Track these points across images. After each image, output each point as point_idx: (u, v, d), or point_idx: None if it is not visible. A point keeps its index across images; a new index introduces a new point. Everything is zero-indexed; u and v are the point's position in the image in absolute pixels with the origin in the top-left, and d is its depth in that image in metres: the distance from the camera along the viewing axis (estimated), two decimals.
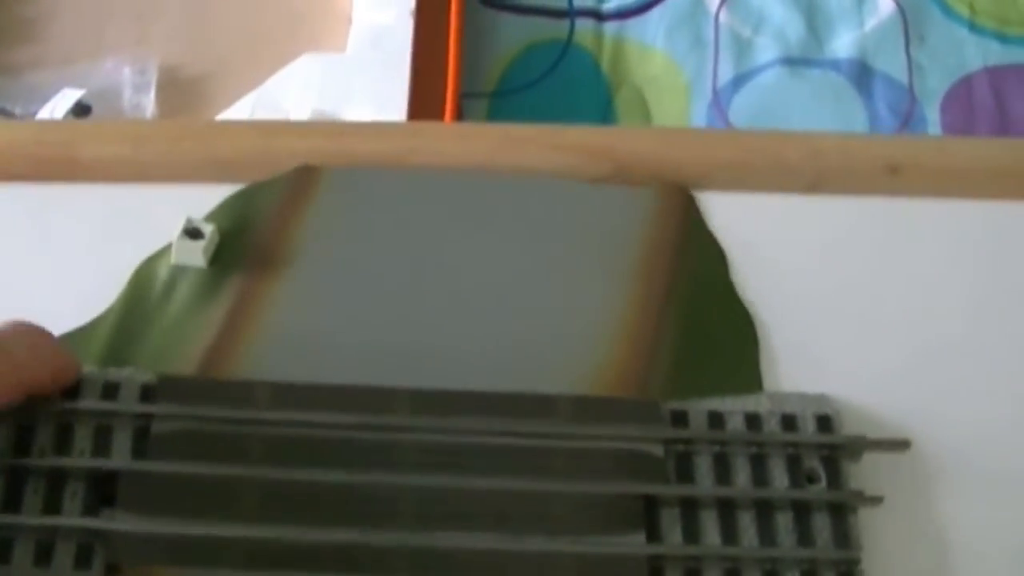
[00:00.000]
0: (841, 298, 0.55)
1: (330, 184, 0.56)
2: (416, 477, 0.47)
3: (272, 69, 0.91)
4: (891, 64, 0.97)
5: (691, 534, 0.47)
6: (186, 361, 0.51)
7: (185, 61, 0.95)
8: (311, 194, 0.56)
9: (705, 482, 0.48)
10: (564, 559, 0.47)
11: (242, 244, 0.54)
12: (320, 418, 0.48)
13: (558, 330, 0.52)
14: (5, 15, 0.98)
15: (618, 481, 0.48)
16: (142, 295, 0.54)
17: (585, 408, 0.49)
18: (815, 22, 1.00)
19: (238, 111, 0.89)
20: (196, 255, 0.54)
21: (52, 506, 0.47)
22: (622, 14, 1.00)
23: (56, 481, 0.47)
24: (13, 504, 0.46)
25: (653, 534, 0.47)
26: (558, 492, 0.47)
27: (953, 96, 0.96)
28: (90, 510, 0.47)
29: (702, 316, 0.54)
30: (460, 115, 0.89)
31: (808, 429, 0.49)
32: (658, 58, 0.98)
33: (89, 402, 0.48)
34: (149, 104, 0.92)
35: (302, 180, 0.56)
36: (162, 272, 0.54)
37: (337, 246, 0.55)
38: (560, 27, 1.00)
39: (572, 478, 0.48)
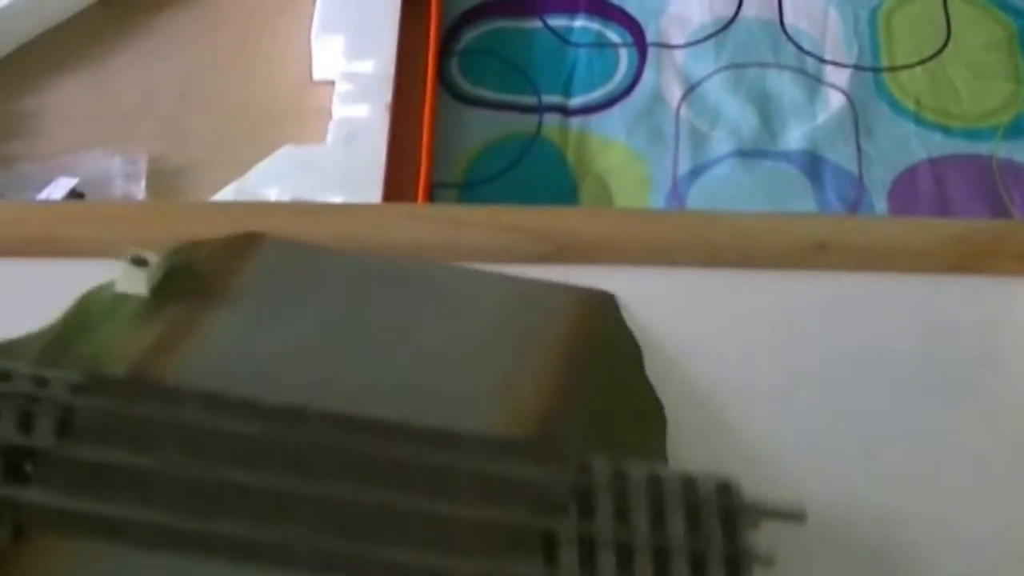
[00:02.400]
0: (758, 371, 0.58)
1: (272, 248, 0.60)
2: (318, 484, 0.49)
3: (257, 160, 0.95)
4: (841, 155, 1.02)
5: (587, 571, 0.48)
6: (116, 368, 0.54)
7: (172, 152, 1.00)
8: (253, 253, 0.60)
9: (604, 525, 0.49)
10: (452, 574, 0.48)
11: (183, 282, 0.58)
12: (235, 424, 0.50)
13: (461, 387, 0.55)
14: None
15: (518, 512, 0.49)
16: (83, 315, 0.57)
17: (489, 444, 0.51)
18: (769, 116, 1.04)
19: (221, 199, 0.93)
20: (139, 283, 0.57)
21: None
22: (587, 109, 1.05)
23: None
24: None
25: (549, 566, 0.48)
26: (458, 514, 0.49)
27: (899, 185, 1.00)
28: (3, 480, 0.49)
29: (612, 404, 0.56)
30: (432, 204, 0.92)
31: (708, 491, 0.50)
32: (620, 150, 1.03)
33: (18, 385, 0.51)
34: (140, 192, 0.96)
35: (247, 241, 0.60)
36: (106, 297, 0.57)
37: (271, 295, 0.58)
38: (529, 122, 1.04)
39: (474, 501, 0.49)
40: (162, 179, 0.98)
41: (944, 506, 0.55)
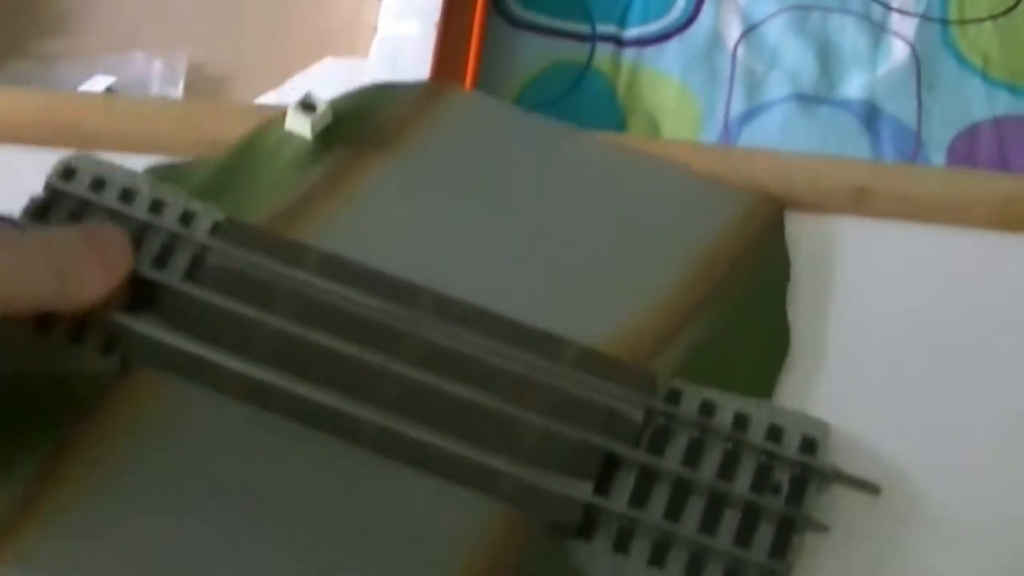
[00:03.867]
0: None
1: (458, 102, 0.60)
2: (407, 368, 0.50)
3: (296, 71, 0.94)
4: (901, 108, 0.99)
5: (636, 500, 0.48)
6: (265, 211, 0.56)
7: (213, 59, 0.98)
8: (437, 105, 0.60)
9: (672, 459, 0.49)
10: (507, 480, 0.49)
11: (354, 129, 0.58)
12: (348, 293, 0.53)
13: (598, 286, 0.54)
14: (41, 7, 1.01)
15: (586, 430, 0.49)
16: (250, 151, 0.58)
17: (587, 359, 0.51)
18: (828, 63, 1.01)
19: None
20: (305, 126, 0.58)
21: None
22: (642, 42, 1.02)
23: None
24: None
25: (602, 489, 0.49)
26: (527, 421, 0.49)
27: (958, 143, 0.98)
28: (129, 310, 0.52)
29: (743, 317, 0.55)
30: None
31: (790, 445, 0.50)
32: (673, 87, 1.00)
33: (167, 219, 0.54)
34: (177, 95, 0.95)
35: (433, 92, 0.60)
36: (273, 137, 0.58)
37: (439, 156, 0.58)
38: (581, 51, 1.02)
39: (547, 413, 0.50)
40: (201, 85, 0.97)
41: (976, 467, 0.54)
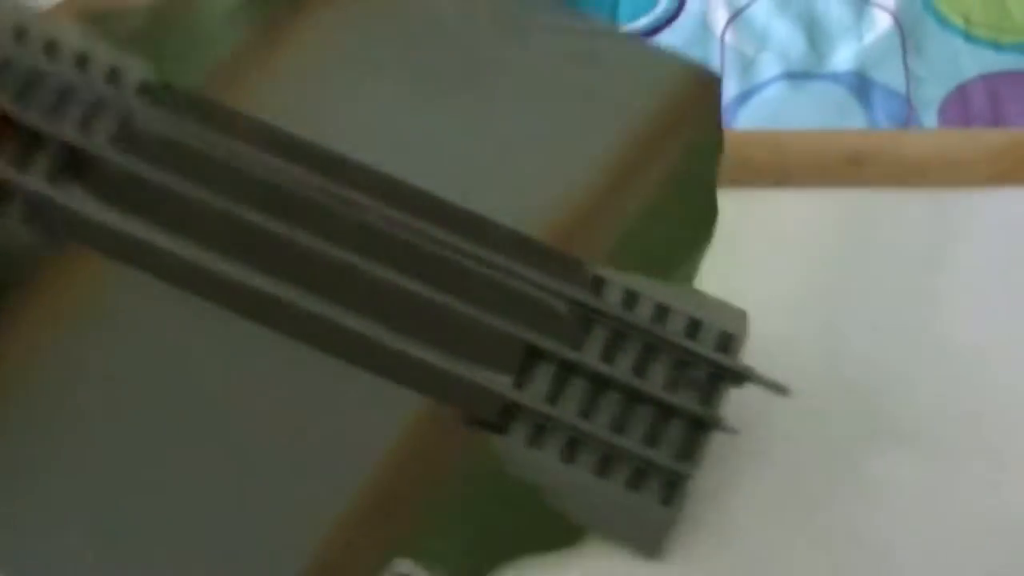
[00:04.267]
0: (808, 285, 0.58)
1: None
2: (340, 251, 0.50)
3: None
4: (889, 75, 1.01)
5: (553, 395, 0.49)
6: (195, 71, 0.52)
7: None
8: None
9: (591, 353, 0.50)
10: (431, 371, 0.49)
11: None
12: (282, 167, 0.50)
13: (528, 163, 0.53)
14: None
15: (510, 321, 0.50)
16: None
17: (514, 243, 0.51)
18: (816, 38, 1.04)
19: None
20: None
21: (21, 164, 0.50)
22: None
23: (31, 141, 0.51)
24: None
25: (521, 382, 0.49)
26: (454, 310, 0.49)
27: (950, 103, 0.99)
28: (53, 178, 0.50)
29: (671, 198, 0.54)
30: None
31: (708, 342, 0.50)
32: None
33: (92, 75, 0.51)
34: None
35: None
36: None
37: (378, 17, 0.55)
38: None
39: (471, 302, 0.50)
40: None
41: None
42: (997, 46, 1.03)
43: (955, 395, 0.55)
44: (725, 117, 0.96)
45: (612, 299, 0.51)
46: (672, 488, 0.49)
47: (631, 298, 0.51)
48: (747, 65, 1.02)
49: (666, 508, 0.49)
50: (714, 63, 1.03)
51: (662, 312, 0.51)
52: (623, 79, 0.55)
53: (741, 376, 0.50)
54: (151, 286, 0.50)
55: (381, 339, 0.49)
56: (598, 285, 0.51)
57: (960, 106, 0.99)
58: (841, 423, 0.54)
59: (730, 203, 0.59)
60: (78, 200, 0.50)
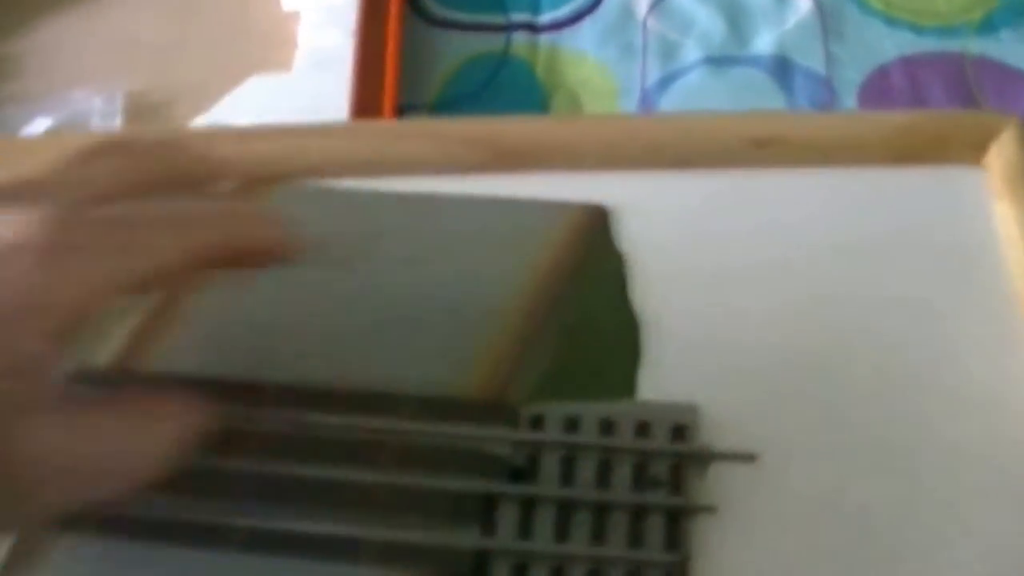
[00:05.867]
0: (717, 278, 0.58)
1: (276, 195, 0.60)
2: (258, 464, 0.51)
3: (228, 91, 0.97)
4: (810, 58, 1.02)
5: (525, 531, 0.49)
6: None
7: (150, 88, 1.01)
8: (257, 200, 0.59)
9: (548, 483, 0.50)
10: (395, 547, 0.49)
11: None
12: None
13: (439, 328, 0.55)
14: None
15: (458, 478, 0.50)
16: None
17: (433, 408, 0.51)
18: (738, 23, 1.04)
19: None
20: None
21: None
22: (556, 25, 1.05)
23: None
24: None
25: (488, 530, 0.49)
26: (396, 485, 0.50)
27: (869, 85, 1.01)
28: None
29: (588, 325, 0.56)
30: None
31: (660, 437, 0.51)
32: (589, 63, 1.03)
33: None
34: (116, 129, 0.97)
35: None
36: None
37: None
38: (498, 41, 1.05)
39: (410, 472, 0.50)
40: (138, 116, 0.99)
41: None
42: (917, 29, 1.04)
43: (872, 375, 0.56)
44: (646, 102, 0.98)
45: (554, 429, 0.51)
46: None
47: (573, 423, 0.51)
48: (669, 50, 1.03)
49: None
50: (636, 48, 1.04)
51: (608, 425, 0.51)
52: (513, 235, 0.57)
53: (703, 457, 0.51)
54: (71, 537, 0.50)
55: (337, 532, 0.49)
56: (538, 422, 0.51)
57: (880, 89, 1.00)
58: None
59: (636, 186, 0.60)
60: None
